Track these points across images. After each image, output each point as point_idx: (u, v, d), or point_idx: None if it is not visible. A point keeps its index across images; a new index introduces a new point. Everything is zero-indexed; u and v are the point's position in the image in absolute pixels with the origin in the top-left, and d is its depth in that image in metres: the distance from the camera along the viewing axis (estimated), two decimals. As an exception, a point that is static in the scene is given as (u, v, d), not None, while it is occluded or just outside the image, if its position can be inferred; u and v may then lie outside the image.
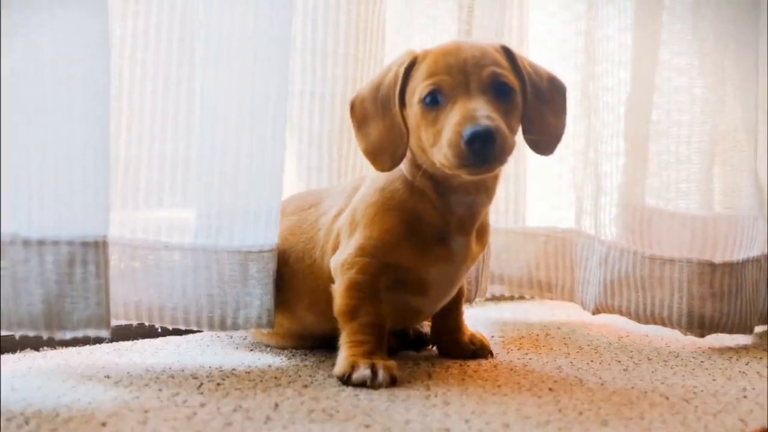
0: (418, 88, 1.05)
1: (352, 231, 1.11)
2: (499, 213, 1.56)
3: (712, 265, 1.36)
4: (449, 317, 1.22)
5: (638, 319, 1.41)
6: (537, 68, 1.13)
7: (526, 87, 1.08)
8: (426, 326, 1.28)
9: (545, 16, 1.61)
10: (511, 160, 1.55)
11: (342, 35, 1.34)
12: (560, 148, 1.56)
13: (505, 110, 1.03)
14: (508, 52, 1.09)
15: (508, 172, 1.58)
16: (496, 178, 1.12)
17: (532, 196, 1.62)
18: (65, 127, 0.98)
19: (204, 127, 1.13)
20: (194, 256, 1.13)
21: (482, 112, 0.99)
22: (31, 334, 0.98)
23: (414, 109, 1.05)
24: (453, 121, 1.00)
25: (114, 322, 1.20)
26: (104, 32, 1.00)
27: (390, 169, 1.09)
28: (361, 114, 1.11)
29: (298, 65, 1.34)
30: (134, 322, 1.16)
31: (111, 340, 1.25)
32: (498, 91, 1.04)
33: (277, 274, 1.16)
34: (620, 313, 1.42)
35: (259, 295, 1.14)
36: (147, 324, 1.15)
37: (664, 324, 1.39)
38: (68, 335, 0.99)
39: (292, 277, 1.17)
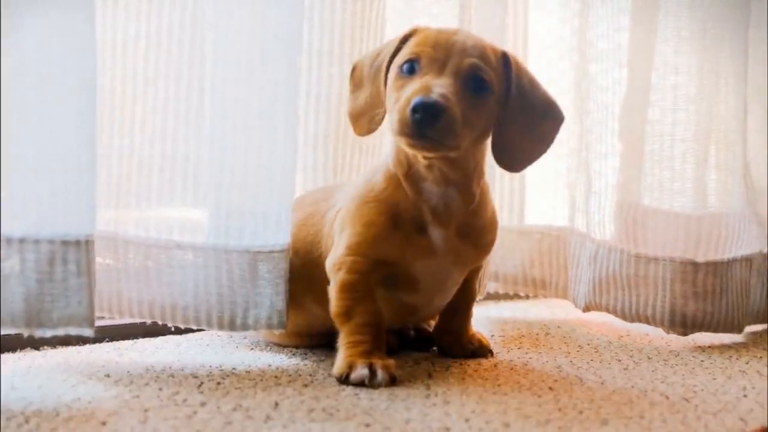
0: (402, 54, 1.07)
1: (342, 229, 1.12)
2: (502, 211, 1.56)
3: (695, 264, 1.37)
4: (454, 318, 1.22)
5: (624, 317, 1.41)
6: (537, 87, 1.12)
7: (510, 97, 1.07)
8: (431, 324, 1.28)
9: (544, 15, 1.61)
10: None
11: (337, 35, 1.34)
12: (556, 146, 1.57)
13: (472, 103, 1.03)
14: (505, 57, 1.09)
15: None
16: (466, 177, 1.10)
17: (530, 194, 1.62)
18: (49, 127, 0.98)
19: (214, 127, 1.14)
20: (205, 255, 1.14)
21: (439, 89, 1.00)
22: (12, 332, 0.98)
23: (391, 74, 1.07)
24: (410, 90, 1.01)
25: (126, 320, 1.21)
26: (91, 33, 1.00)
27: (366, 133, 1.12)
28: (358, 78, 1.14)
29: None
30: (148, 321, 1.16)
31: (111, 339, 1.25)
32: (472, 83, 1.04)
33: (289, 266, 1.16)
34: (607, 311, 1.43)
35: (269, 296, 1.14)
36: (160, 323, 1.15)
37: (648, 322, 1.39)
38: (48, 333, 0.98)
39: (302, 269, 1.17)
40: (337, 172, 1.37)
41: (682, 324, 1.37)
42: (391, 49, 1.10)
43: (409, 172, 1.10)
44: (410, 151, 1.06)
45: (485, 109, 1.05)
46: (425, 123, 0.98)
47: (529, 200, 1.62)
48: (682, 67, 1.41)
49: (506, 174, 1.57)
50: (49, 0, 0.97)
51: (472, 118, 1.03)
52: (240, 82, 1.13)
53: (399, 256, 1.09)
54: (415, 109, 0.98)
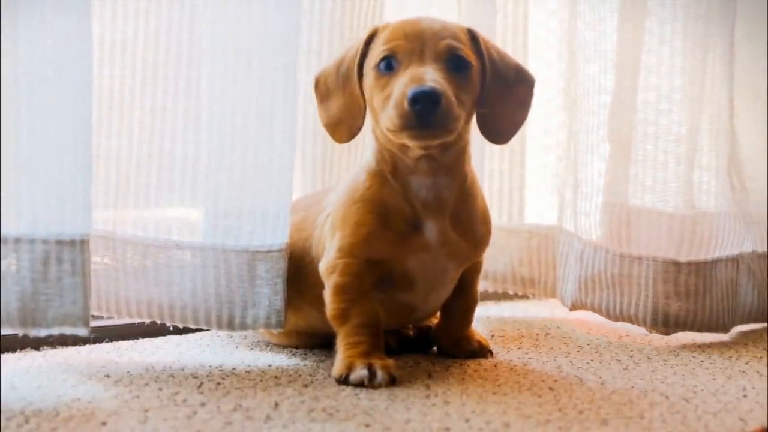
0: (374, 54, 1.06)
1: (333, 233, 1.12)
2: (492, 210, 1.56)
3: (677, 264, 1.37)
4: (454, 320, 1.21)
5: (608, 317, 1.42)
6: (504, 56, 1.14)
7: (485, 69, 1.09)
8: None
9: (545, 16, 1.61)
10: (507, 156, 1.51)
11: (326, 35, 1.35)
12: (552, 145, 1.58)
13: (458, 83, 1.04)
14: (471, 33, 1.10)
15: (502, 168, 1.58)
16: (457, 159, 1.10)
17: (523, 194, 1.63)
18: (44, 127, 0.98)
19: (212, 127, 1.14)
20: (203, 255, 1.14)
21: (429, 75, 1.00)
22: (7, 331, 0.98)
23: (369, 77, 1.07)
24: (401, 83, 1.01)
25: (126, 321, 1.22)
26: (87, 33, 1.01)
27: (347, 140, 1.12)
28: (324, 89, 1.13)
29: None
30: (147, 320, 1.16)
31: (111, 339, 1.25)
32: (453, 64, 1.04)
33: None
34: (593, 309, 1.44)
35: (267, 295, 1.15)
36: (158, 322, 1.16)
37: (631, 321, 1.40)
38: (43, 333, 0.99)
39: (298, 273, 1.17)
40: (325, 173, 1.38)
41: (665, 323, 1.38)
42: (357, 53, 1.09)
43: (395, 168, 1.09)
44: (413, 144, 1.05)
45: (470, 85, 1.06)
46: (426, 112, 0.98)
47: (524, 200, 1.62)
48: (669, 68, 1.42)
49: (503, 173, 1.58)
50: (44, 0, 0.98)
51: (462, 97, 1.04)
52: (238, 81, 1.13)
53: (391, 253, 1.09)
54: (414, 100, 0.98)
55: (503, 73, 1.11)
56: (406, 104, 0.99)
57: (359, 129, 1.10)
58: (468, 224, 1.13)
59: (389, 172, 1.10)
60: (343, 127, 1.11)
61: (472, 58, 1.06)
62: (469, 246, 1.14)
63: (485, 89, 1.09)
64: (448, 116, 1.00)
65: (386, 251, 1.09)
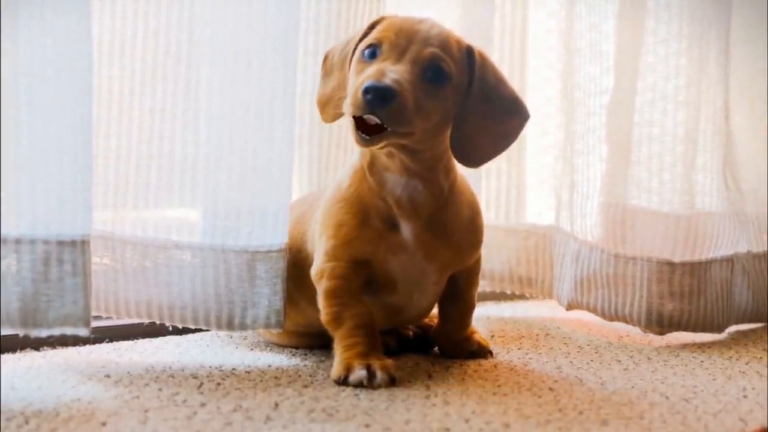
0: (365, 40, 1.06)
1: (320, 232, 1.12)
2: (489, 209, 1.56)
3: (671, 264, 1.38)
4: (451, 324, 1.21)
5: (603, 316, 1.43)
6: (502, 83, 1.11)
7: (472, 90, 1.07)
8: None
9: (544, 16, 1.61)
10: (506, 155, 1.49)
11: (322, 35, 1.35)
12: (550, 145, 1.58)
13: (429, 93, 1.02)
14: (469, 51, 1.08)
15: (500, 167, 1.58)
16: (431, 168, 1.09)
17: (522, 193, 1.63)
18: (45, 127, 0.98)
19: (211, 127, 1.14)
20: (203, 255, 1.14)
21: (393, 74, 0.99)
22: (8, 332, 0.98)
23: (354, 60, 1.07)
24: (366, 73, 1.01)
25: (126, 321, 1.22)
26: (87, 33, 1.01)
27: (331, 120, 1.13)
28: (329, 66, 1.14)
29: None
30: (146, 321, 1.17)
31: (111, 340, 1.25)
32: (430, 73, 1.03)
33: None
34: (588, 309, 1.44)
35: (266, 295, 1.15)
36: (158, 322, 1.16)
37: (626, 321, 1.41)
38: (44, 333, 0.98)
39: (293, 268, 1.17)
40: (321, 171, 1.38)
41: (659, 323, 1.38)
42: (358, 36, 1.09)
43: (372, 164, 1.09)
44: (352, 135, 1.02)
45: (442, 99, 1.04)
46: (375, 104, 0.97)
47: (522, 199, 1.62)
48: (670, 69, 1.42)
49: (501, 172, 1.58)
50: (44, 0, 0.98)
51: (427, 107, 1.02)
52: (237, 82, 1.13)
53: (372, 252, 1.09)
54: (367, 91, 0.97)
55: (494, 98, 1.09)
56: (359, 93, 0.98)
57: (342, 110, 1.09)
58: (450, 231, 1.11)
59: (367, 167, 1.10)
60: (330, 106, 1.11)
61: (454, 72, 1.04)
62: (452, 252, 1.13)
63: (469, 109, 1.06)
64: (398, 117, 0.98)
65: (367, 250, 1.09)
